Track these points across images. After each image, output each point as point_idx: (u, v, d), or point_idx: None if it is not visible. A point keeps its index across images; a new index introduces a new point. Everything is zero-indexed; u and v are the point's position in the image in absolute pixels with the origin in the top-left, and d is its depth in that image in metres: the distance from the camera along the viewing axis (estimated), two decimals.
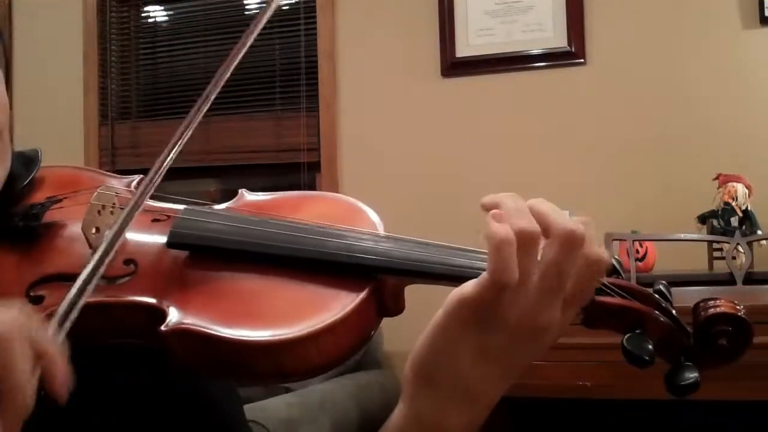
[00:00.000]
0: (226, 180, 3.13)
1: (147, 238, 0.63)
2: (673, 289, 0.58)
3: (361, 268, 0.57)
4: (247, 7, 3.09)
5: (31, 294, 0.59)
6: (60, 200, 0.68)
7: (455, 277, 0.53)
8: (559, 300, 0.52)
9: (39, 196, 0.69)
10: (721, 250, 2.13)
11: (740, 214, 2.18)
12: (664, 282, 0.58)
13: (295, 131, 2.92)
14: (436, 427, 0.55)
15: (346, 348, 0.56)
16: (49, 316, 0.48)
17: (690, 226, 2.29)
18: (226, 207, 0.69)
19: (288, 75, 2.96)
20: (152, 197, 0.66)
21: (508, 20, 2.66)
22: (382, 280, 0.58)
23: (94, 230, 0.61)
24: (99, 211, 0.62)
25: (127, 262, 0.60)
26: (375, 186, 2.71)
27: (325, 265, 0.58)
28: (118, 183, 0.71)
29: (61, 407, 0.61)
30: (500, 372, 0.54)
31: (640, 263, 2.11)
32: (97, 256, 0.52)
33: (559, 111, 2.61)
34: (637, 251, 2.10)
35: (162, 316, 0.55)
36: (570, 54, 2.60)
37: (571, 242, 0.51)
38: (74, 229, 0.63)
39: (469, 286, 0.52)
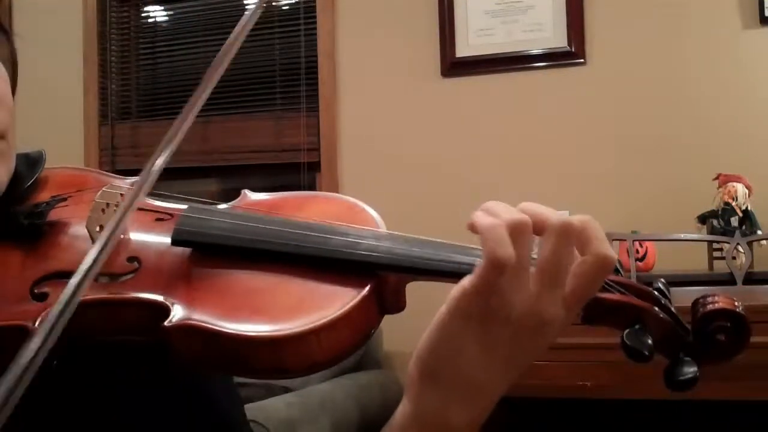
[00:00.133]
0: (226, 180, 3.13)
1: (150, 236, 0.64)
2: (673, 290, 0.58)
3: (363, 266, 0.58)
4: (247, 7, 3.09)
5: (36, 291, 0.59)
6: (65, 199, 0.68)
7: (456, 274, 0.54)
8: (560, 294, 0.53)
9: (44, 196, 0.70)
10: (721, 250, 2.13)
11: (740, 214, 2.18)
12: (663, 280, 0.58)
13: (295, 131, 2.92)
14: (440, 424, 0.55)
15: (347, 345, 0.56)
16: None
17: (690, 226, 2.29)
18: (230, 206, 0.69)
19: (288, 75, 2.96)
20: (155, 197, 0.67)
21: (508, 20, 2.66)
22: (383, 277, 0.58)
23: (98, 228, 0.61)
24: (103, 210, 0.63)
25: (131, 259, 0.61)
26: (375, 186, 2.71)
27: (327, 263, 0.58)
28: (122, 183, 0.71)
29: (59, 404, 0.61)
30: (504, 368, 0.54)
31: (640, 263, 2.11)
32: (98, 244, 0.53)
33: (558, 111, 2.61)
34: (637, 251, 2.10)
35: (165, 312, 0.56)
36: (570, 54, 2.60)
37: (567, 233, 0.52)
38: (79, 227, 0.64)
39: (469, 277, 0.52)
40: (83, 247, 0.61)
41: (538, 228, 0.52)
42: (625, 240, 1.98)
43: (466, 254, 0.57)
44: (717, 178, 2.26)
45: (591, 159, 2.57)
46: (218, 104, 2.97)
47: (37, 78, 2.84)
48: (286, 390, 2.06)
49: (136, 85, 3.22)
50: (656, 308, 0.56)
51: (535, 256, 0.53)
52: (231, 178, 3.09)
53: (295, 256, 0.59)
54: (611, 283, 0.56)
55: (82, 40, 3.14)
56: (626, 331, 0.54)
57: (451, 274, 0.54)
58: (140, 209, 0.66)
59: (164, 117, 3.11)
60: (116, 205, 0.64)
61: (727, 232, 2.14)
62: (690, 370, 0.54)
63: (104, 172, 0.76)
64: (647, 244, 2.17)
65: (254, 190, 0.73)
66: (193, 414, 0.69)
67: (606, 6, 2.58)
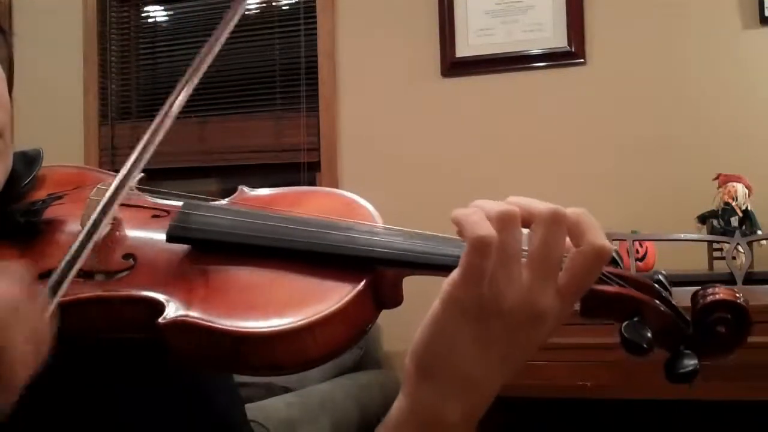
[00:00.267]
0: (225, 180, 3.13)
1: (146, 233, 0.64)
2: (673, 289, 0.58)
3: (359, 260, 0.58)
4: (247, 7, 3.09)
5: None
6: (61, 197, 0.68)
7: (453, 267, 0.53)
8: (553, 285, 0.52)
9: (40, 194, 0.70)
10: (721, 250, 2.13)
11: (740, 214, 2.18)
12: (663, 272, 0.58)
13: (295, 131, 2.92)
14: (435, 419, 0.55)
15: (342, 340, 0.56)
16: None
17: (690, 226, 2.29)
18: (226, 202, 0.69)
19: (288, 75, 2.96)
20: (152, 194, 0.67)
21: (508, 20, 2.66)
22: (379, 271, 0.58)
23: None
24: None
25: (126, 256, 0.61)
26: (375, 186, 2.71)
27: (322, 257, 0.58)
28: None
29: (58, 404, 0.61)
30: (500, 361, 0.54)
31: (640, 263, 2.11)
32: (85, 230, 0.53)
33: (558, 111, 2.61)
34: (637, 251, 2.10)
35: (160, 309, 0.56)
36: (570, 54, 2.60)
37: (556, 222, 0.52)
38: (74, 224, 0.64)
39: (456, 268, 0.52)
40: None
41: (527, 218, 0.52)
42: (625, 240, 1.98)
43: (462, 248, 0.57)
44: (717, 178, 2.26)
45: (591, 159, 2.57)
46: (218, 104, 2.97)
47: (37, 78, 2.84)
48: (286, 390, 2.06)
49: (136, 85, 3.22)
50: (656, 300, 0.55)
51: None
52: (231, 178, 3.09)
53: (291, 252, 0.59)
54: (610, 276, 0.56)
55: (82, 40, 3.14)
56: (624, 323, 0.53)
57: (448, 267, 0.54)
58: (137, 206, 0.66)
59: None
60: None
61: (727, 232, 2.14)
62: (690, 362, 0.54)
63: (103, 170, 0.76)
64: (647, 244, 2.17)
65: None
66: (192, 413, 0.69)
67: (606, 6, 2.58)
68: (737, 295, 0.55)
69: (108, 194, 0.56)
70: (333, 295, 0.55)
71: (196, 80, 0.62)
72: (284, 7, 3.00)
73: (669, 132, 2.50)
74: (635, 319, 0.54)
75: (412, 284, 0.64)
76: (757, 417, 1.84)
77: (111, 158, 3.13)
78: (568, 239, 0.53)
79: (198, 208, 0.65)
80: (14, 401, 0.43)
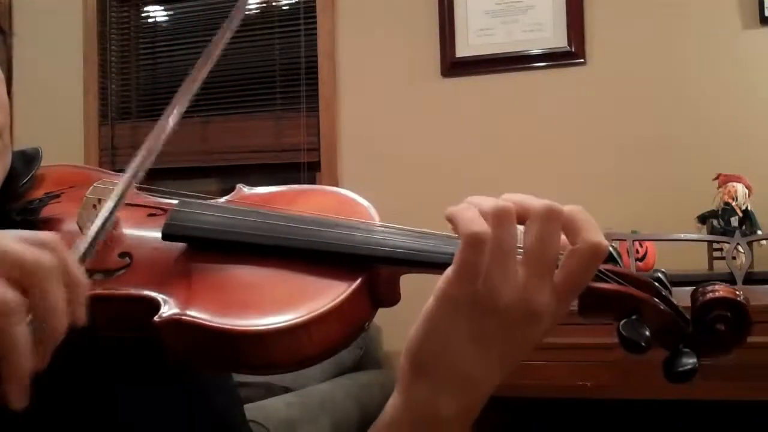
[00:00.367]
0: (226, 180, 3.13)
1: (143, 231, 0.64)
2: (673, 290, 0.57)
3: (354, 258, 0.58)
4: (247, 6, 3.09)
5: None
6: (58, 196, 0.68)
7: (449, 265, 0.53)
8: (549, 282, 0.52)
9: (38, 193, 0.69)
10: (721, 250, 2.13)
11: (740, 214, 2.18)
12: (663, 270, 0.57)
13: (295, 131, 2.92)
14: (431, 416, 0.55)
15: (338, 338, 0.56)
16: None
17: (690, 226, 2.29)
18: (224, 201, 0.69)
19: (288, 75, 2.96)
20: (149, 192, 0.67)
21: (508, 20, 2.66)
22: (375, 269, 0.58)
23: (89, 224, 0.61)
24: (95, 205, 0.63)
25: (122, 255, 0.61)
26: (375, 186, 2.70)
27: (318, 255, 0.58)
28: (117, 179, 0.71)
29: (58, 403, 0.61)
30: (495, 359, 0.54)
31: (640, 263, 2.11)
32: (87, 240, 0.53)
33: (558, 111, 2.61)
34: (637, 251, 2.10)
35: (156, 307, 0.55)
36: (570, 54, 2.60)
37: (551, 217, 0.51)
38: (71, 223, 0.64)
39: (450, 265, 0.52)
40: (75, 243, 0.62)
41: (522, 215, 0.52)
42: (625, 240, 1.98)
43: (458, 245, 0.57)
44: (717, 178, 2.26)
45: (591, 159, 2.57)
46: (218, 104, 2.97)
47: (37, 78, 2.85)
48: (286, 390, 2.06)
49: (136, 85, 3.22)
50: (655, 299, 0.55)
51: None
52: (231, 178, 3.09)
53: (286, 250, 0.59)
54: (608, 273, 0.55)
55: (82, 40, 3.14)
56: (622, 321, 0.53)
57: (444, 265, 0.53)
58: (133, 205, 0.66)
59: None
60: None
61: (727, 232, 2.14)
62: (689, 361, 0.53)
63: (102, 170, 0.76)
64: (647, 244, 2.17)
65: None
66: (191, 413, 0.69)
67: (606, 6, 2.58)
68: (737, 292, 0.54)
69: (120, 187, 0.57)
70: (328, 293, 0.55)
71: (205, 73, 0.63)
72: (284, 7, 3.00)
73: (669, 132, 2.50)
74: (633, 317, 0.53)
75: (411, 283, 0.64)
76: (757, 417, 1.84)
77: (111, 158, 3.13)
78: (564, 237, 0.53)
79: (193, 206, 0.65)
80: (48, 359, 0.44)
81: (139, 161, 0.59)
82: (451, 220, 0.52)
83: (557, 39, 2.61)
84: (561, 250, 0.53)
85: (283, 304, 0.55)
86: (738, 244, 1.97)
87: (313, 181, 2.89)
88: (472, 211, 0.51)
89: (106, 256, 0.60)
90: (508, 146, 2.64)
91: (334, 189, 0.70)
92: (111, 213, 0.55)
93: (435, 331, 0.53)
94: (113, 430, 0.65)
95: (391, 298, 0.60)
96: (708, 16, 2.49)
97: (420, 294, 0.72)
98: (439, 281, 0.53)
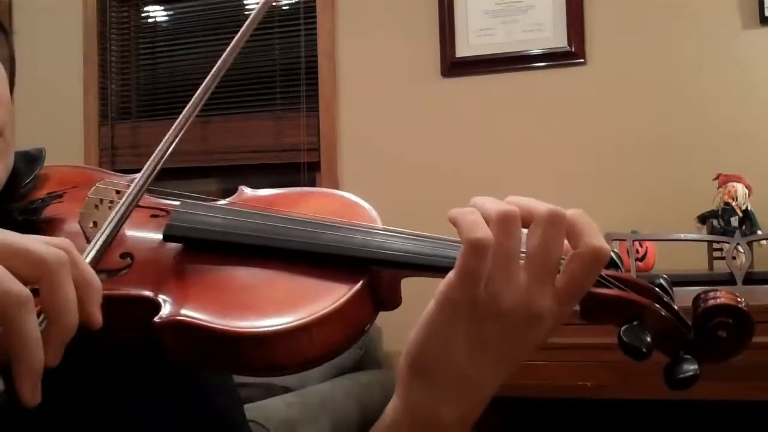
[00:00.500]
0: (226, 180, 3.13)
1: (144, 232, 0.64)
2: (674, 290, 0.57)
3: (356, 261, 0.58)
4: (247, 7, 3.09)
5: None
6: (60, 196, 0.68)
7: (450, 269, 0.53)
8: (551, 287, 0.52)
9: (41, 194, 0.69)
10: (721, 250, 2.13)
11: (740, 214, 2.18)
12: (665, 276, 0.57)
13: (295, 131, 2.92)
14: (431, 420, 0.55)
15: (339, 340, 0.56)
16: None
17: (690, 226, 2.29)
18: (226, 202, 0.69)
19: (288, 75, 2.96)
20: (151, 193, 0.67)
21: (508, 20, 2.66)
22: (377, 272, 0.58)
23: (91, 224, 0.61)
24: (97, 206, 0.63)
25: (124, 255, 0.61)
26: (375, 186, 2.71)
27: (319, 258, 0.58)
28: (117, 179, 0.71)
29: (58, 404, 0.61)
30: (495, 363, 0.54)
31: (640, 263, 2.11)
32: (97, 242, 0.53)
33: (559, 111, 2.61)
34: (637, 251, 2.10)
35: (157, 308, 0.55)
36: (570, 54, 2.60)
37: (555, 222, 0.51)
38: (73, 223, 0.64)
39: (452, 269, 0.52)
40: (77, 243, 0.62)
41: (526, 219, 0.52)
42: (625, 240, 1.98)
43: (460, 249, 0.57)
44: (717, 178, 2.26)
45: (591, 159, 2.57)
46: (218, 104, 2.97)
47: (37, 78, 2.85)
48: (286, 390, 2.06)
49: (136, 85, 3.22)
50: (656, 305, 0.54)
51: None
52: (231, 178, 3.09)
53: (288, 252, 0.59)
54: (609, 279, 0.55)
55: (82, 40, 3.14)
56: (623, 327, 0.53)
57: (446, 269, 0.53)
58: (136, 205, 0.66)
59: (164, 117, 3.11)
60: (110, 202, 0.64)
61: (727, 232, 2.14)
62: (690, 368, 0.53)
63: (105, 170, 0.76)
64: (647, 244, 2.17)
65: (254, 189, 0.73)
66: (191, 413, 0.69)
67: (606, 6, 2.58)
68: (738, 299, 0.54)
69: (134, 187, 0.58)
70: (330, 295, 0.55)
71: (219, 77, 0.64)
72: (284, 7, 3.00)
73: (669, 132, 2.50)
74: (635, 323, 0.53)
75: (411, 286, 0.64)
76: (757, 417, 1.83)
77: (111, 158, 3.13)
78: (566, 241, 0.53)
79: (195, 208, 0.65)
80: (61, 356, 0.45)
81: (152, 165, 0.59)
82: (454, 223, 0.52)
83: (557, 39, 2.61)
84: (563, 255, 0.53)
85: (284, 306, 0.55)
86: (738, 244, 1.97)
87: (313, 181, 2.89)
88: (475, 215, 0.51)
89: (108, 257, 0.60)
90: (508, 146, 2.64)
91: (337, 192, 0.70)
92: (123, 217, 0.56)
93: (435, 334, 0.53)
94: (113, 431, 0.65)
95: (393, 301, 0.60)
96: (708, 16, 2.49)
97: (421, 296, 0.72)
98: (440, 285, 0.53)
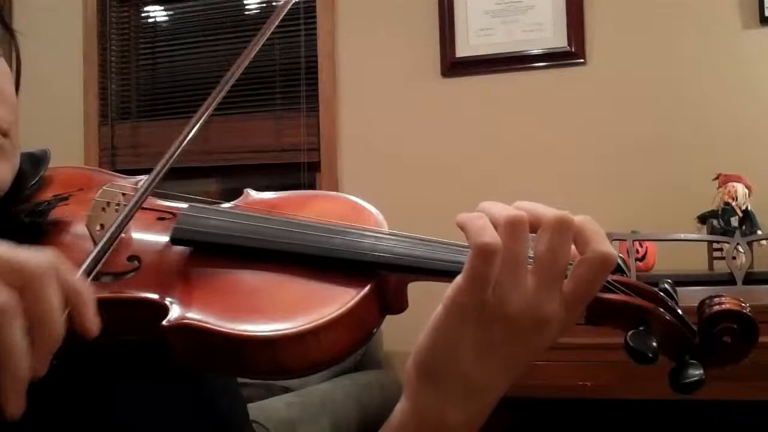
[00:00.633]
0: (226, 180, 3.13)
1: (151, 235, 0.64)
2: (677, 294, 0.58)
3: (363, 265, 0.58)
4: (247, 7, 3.09)
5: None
6: (66, 198, 0.68)
7: (457, 274, 0.53)
8: (558, 291, 0.52)
9: (46, 195, 0.69)
10: (721, 250, 2.13)
11: (740, 214, 2.18)
12: (669, 281, 0.57)
13: (295, 131, 2.92)
14: (439, 423, 0.55)
15: (347, 344, 0.56)
16: None
17: (690, 226, 2.29)
18: (232, 205, 0.69)
19: (288, 75, 2.96)
20: (158, 196, 0.67)
21: (508, 20, 2.66)
22: (384, 276, 0.58)
23: (98, 227, 0.61)
24: (104, 208, 0.63)
25: (131, 258, 0.61)
26: (375, 186, 2.71)
27: (327, 262, 0.58)
28: (123, 182, 0.71)
29: (60, 404, 0.61)
30: (503, 367, 0.54)
31: (640, 263, 2.11)
32: (97, 248, 0.53)
33: (558, 111, 2.61)
34: (637, 251, 2.10)
35: (164, 311, 0.56)
36: (570, 54, 2.60)
37: (562, 228, 0.52)
38: (79, 225, 0.64)
39: (460, 273, 0.52)
40: (84, 247, 0.61)
41: (534, 224, 0.52)
42: (625, 240, 1.98)
43: (467, 254, 0.57)
44: (717, 178, 2.26)
45: (591, 159, 2.57)
46: (218, 104, 2.96)
47: (37, 78, 2.84)
48: (286, 390, 2.06)
49: (136, 85, 3.22)
50: (661, 309, 0.55)
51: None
52: (231, 178, 3.09)
53: (295, 255, 0.59)
54: (615, 284, 0.56)
55: (82, 40, 3.14)
56: (630, 332, 0.53)
57: (453, 273, 0.54)
58: (142, 208, 0.66)
59: (164, 117, 3.11)
60: (117, 204, 0.64)
61: (727, 232, 2.14)
62: (696, 372, 0.54)
63: (110, 172, 0.76)
64: (647, 244, 2.17)
65: (255, 190, 0.73)
66: (194, 414, 0.69)
67: (606, 6, 2.58)
68: (743, 304, 0.55)
69: (139, 192, 0.58)
70: (338, 300, 0.55)
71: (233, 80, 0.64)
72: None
73: (669, 132, 2.50)
74: (641, 328, 0.53)
75: (412, 287, 0.64)
76: (757, 417, 1.83)
77: (111, 158, 3.13)
78: (573, 247, 0.53)
79: (203, 211, 0.65)
80: (45, 372, 0.44)
81: (159, 170, 0.59)
82: (462, 227, 0.52)
83: (557, 39, 2.61)
84: (570, 260, 0.53)
85: (292, 309, 0.55)
86: (738, 244, 1.97)
87: (313, 181, 2.89)
88: (484, 220, 0.52)
89: (115, 259, 0.60)
90: (508, 146, 2.64)
91: (343, 195, 0.70)
92: (126, 220, 0.56)
93: (443, 338, 0.54)
94: (116, 431, 0.65)
95: (399, 305, 0.60)
96: (708, 16, 2.49)
97: (423, 300, 0.73)
98: (448, 289, 0.53)
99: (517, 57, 2.65)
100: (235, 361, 0.55)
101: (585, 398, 1.80)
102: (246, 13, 3.10)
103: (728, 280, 1.94)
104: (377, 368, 2.57)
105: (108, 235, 0.56)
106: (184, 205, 0.66)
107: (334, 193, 0.71)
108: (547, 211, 0.52)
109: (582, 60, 2.59)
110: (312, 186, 2.89)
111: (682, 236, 2.16)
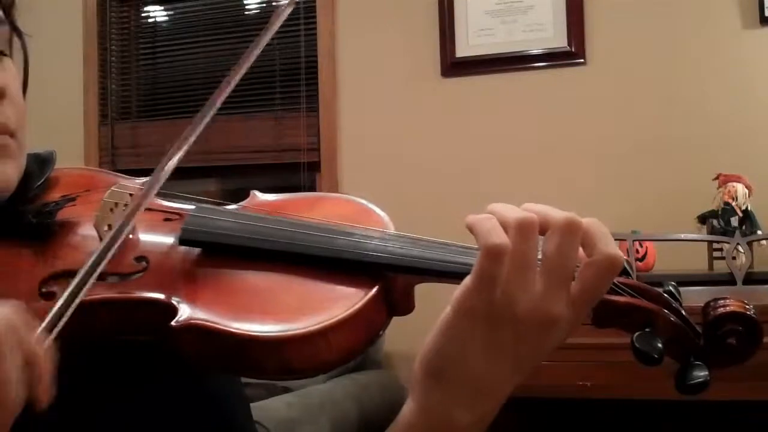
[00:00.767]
0: (226, 180, 3.13)
1: (158, 236, 0.64)
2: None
3: (371, 266, 0.58)
4: (247, 7, 3.09)
5: (43, 290, 0.59)
6: (74, 199, 0.69)
7: (464, 275, 0.53)
8: (566, 293, 0.53)
9: (53, 196, 0.70)
10: (721, 250, 2.13)
11: (740, 214, 2.18)
12: (673, 283, 0.58)
13: (295, 131, 2.92)
14: (447, 423, 0.55)
15: (354, 345, 0.56)
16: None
17: (690, 226, 2.29)
18: (238, 206, 0.70)
19: (288, 75, 2.96)
20: (164, 197, 0.67)
21: (508, 20, 2.66)
22: (391, 278, 0.58)
23: (106, 227, 0.62)
24: (112, 209, 0.63)
25: (139, 259, 0.61)
26: (375, 186, 2.71)
27: (334, 263, 0.59)
28: (130, 183, 0.71)
29: (63, 404, 0.62)
30: (510, 367, 0.55)
31: (640, 263, 2.11)
32: (99, 250, 0.53)
33: (559, 111, 2.61)
34: (637, 251, 2.10)
35: (172, 312, 0.56)
36: (570, 54, 2.60)
37: (571, 230, 0.52)
38: (87, 226, 0.64)
39: (469, 275, 0.53)
40: (92, 247, 0.62)
41: (543, 226, 0.53)
42: (625, 240, 1.98)
43: (474, 256, 0.57)
44: (717, 178, 2.26)
45: (591, 159, 2.57)
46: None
47: (37, 78, 2.84)
48: (286, 390, 2.06)
49: (136, 85, 3.22)
50: (667, 311, 0.55)
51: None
52: (231, 178, 3.09)
53: (303, 257, 0.59)
54: (621, 286, 0.56)
55: (82, 39, 3.14)
56: (636, 334, 0.54)
57: (459, 275, 0.54)
58: (149, 209, 0.66)
59: (164, 117, 3.11)
60: (125, 205, 0.64)
61: (727, 232, 2.14)
62: (701, 374, 0.54)
63: (115, 173, 0.77)
64: (647, 244, 2.17)
65: (254, 190, 0.73)
66: (198, 413, 0.69)
67: (606, 6, 2.58)
68: (747, 306, 0.55)
69: (142, 192, 0.58)
70: (346, 301, 0.56)
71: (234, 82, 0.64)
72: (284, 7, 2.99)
73: (669, 132, 2.50)
74: (647, 329, 0.54)
75: (416, 290, 0.64)
76: (757, 417, 1.84)
77: (111, 158, 3.13)
78: (580, 249, 0.53)
79: (210, 212, 0.65)
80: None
81: (160, 171, 0.59)
82: (471, 229, 0.53)
83: (557, 39, 2.62)
84: (578, 262, 0.53)
85: (301, 310, 0.56)
86: (738, 244, 1.97)
87: (313, 181, 2.89)
88: (493, 222, 0.52)
89: (122, 260, 0.60)
90: (508, 146, 2.64)
91: (351, 198, 0.70)
92: (130, 221, 0.56)
93: (451, 339, 0.54)
94: (120, 430, 0.65)
95: (406, 306, 0.60)
96: (708, 16, 2.49)
97: (423, 296, 0.73)
98: (456, 291, 0.53)
99: (517, 57, 2.65)
100: (242, 362, 0.55)
101: (585, 398, 1.80)
102: (246, 13, 3.10)
103: (728, 280, 1.94)
104: (377, 368, 2.57)
105: (108, 238, 0.56)
106: (191, 206, 0.67)
107: (341, 195, 0.72)
108: (556, 213, 0.53)
109: (582, 60, 2.60)
110: (312, 186, 2.89)
111: (682, 236, 2.16)
